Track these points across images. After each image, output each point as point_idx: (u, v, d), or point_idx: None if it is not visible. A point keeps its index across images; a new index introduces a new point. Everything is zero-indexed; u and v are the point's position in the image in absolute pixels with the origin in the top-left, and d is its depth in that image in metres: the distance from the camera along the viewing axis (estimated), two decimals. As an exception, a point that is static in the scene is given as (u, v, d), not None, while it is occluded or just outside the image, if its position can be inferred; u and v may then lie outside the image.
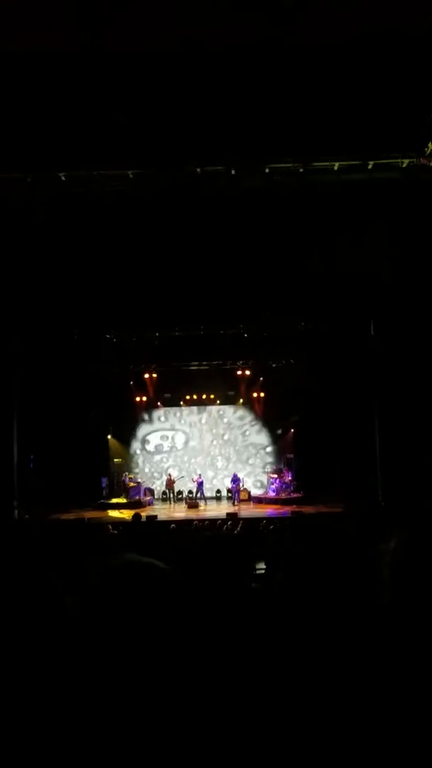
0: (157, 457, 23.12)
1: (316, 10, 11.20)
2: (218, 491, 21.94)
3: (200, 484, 20.87)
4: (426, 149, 14.02)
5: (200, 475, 21.06)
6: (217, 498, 21.61)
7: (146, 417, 23.22)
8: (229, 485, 20.94)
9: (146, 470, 22.87)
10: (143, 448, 23.26)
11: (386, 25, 13.11)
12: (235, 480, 20.71)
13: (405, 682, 1.18)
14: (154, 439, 23.29)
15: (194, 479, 20.91)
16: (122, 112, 12.61)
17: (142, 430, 23.24)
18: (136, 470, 22.67)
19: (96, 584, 1.14)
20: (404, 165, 14.50)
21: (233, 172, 14.55)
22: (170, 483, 21.39)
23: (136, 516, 10.75)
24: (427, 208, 15.54)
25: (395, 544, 1.25)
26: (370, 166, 14.53)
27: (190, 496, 20.98)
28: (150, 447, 23.25)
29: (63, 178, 14.48)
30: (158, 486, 22.03)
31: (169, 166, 14.62)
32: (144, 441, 23.29)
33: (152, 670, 1.07)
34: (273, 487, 20.43)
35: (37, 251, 15.84)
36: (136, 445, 23.23)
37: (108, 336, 19.36)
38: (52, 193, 14.94)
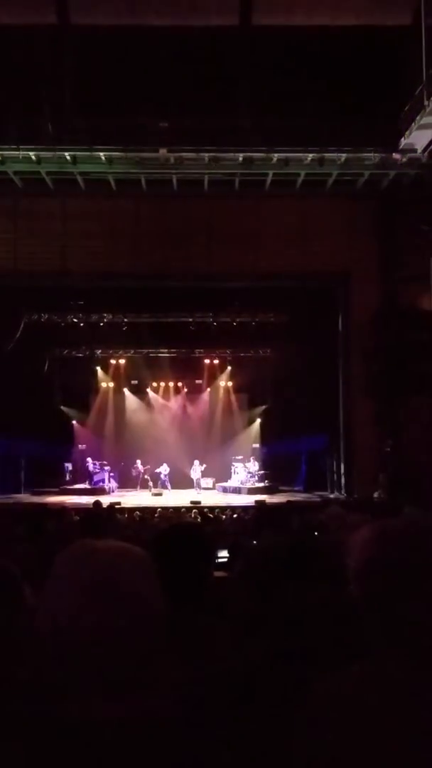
0: (123, 444, 22.94)
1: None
2: (183, 479, 21.89)
3: (165, 473, 20.81)
4: (399, 144, 14.12)
5: (164, 470, 20.95)
6: (181, 486, 21.56)
7: (113, 403, 23.02)
8: (194, 473, 20.92)
9: (111, 457, 22.67)
10: (109, 434, 23.04)
11: (362, 21, 13.18)
12: (200, 468, 20.69)
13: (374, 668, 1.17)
14: (120, 425, 23.10)
15: (160, 472, 20.82)
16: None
17: (109, 416, 23.03)
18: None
19: (66, 569, 1.08)
20: (377, 159, 14.59)
21: (206, 158, 14.47)
22: (137, 470, 21.28)
23: (97, 503, 10.69)
24: (393, 202, 15.70)
25: (366, 534, 1.24)
26: (342, 160, 14.58)
27: (152, 485, 20.86)
28: (116, 433, 23.05)
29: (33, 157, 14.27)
30: (122, 472, 21.84)
31: (143, 149, 14.49)
32: (110, 427, 23.07)
33: (123, 659, 1.03)
34: (237, 476, 20.49)
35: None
36: (101, 431, 22.99)
37: (75, 320, 19.12)
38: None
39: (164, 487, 20.44)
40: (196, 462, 20.65)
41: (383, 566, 1.17)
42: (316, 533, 4.16)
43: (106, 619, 1.01)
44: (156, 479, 20.87)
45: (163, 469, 20.91)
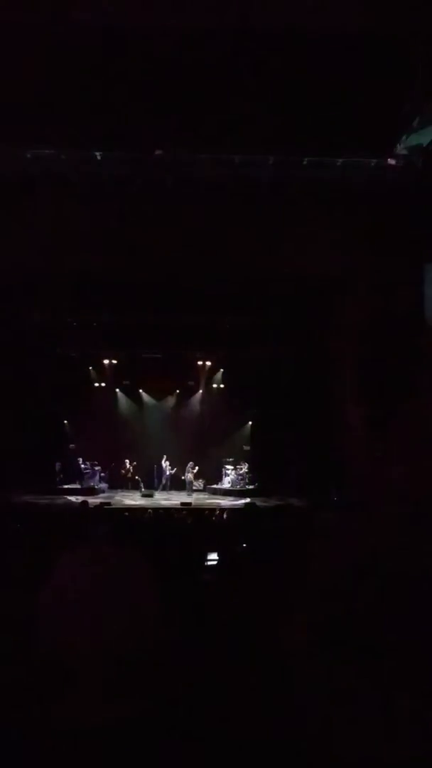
0: (114, 444, 22.88)
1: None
2: (173, 480, 21.88)
3: (157, 473, 20.84)
4: (395, 149, 14.17)
5: (157, 466, 20.97)
6: (172, 487, 21.56)
7: (105, 403, 22.97)
8: (185, 475, 20.93)
9: (102, 457, 22.62)
10: (100, 435, 22.97)
11: (359, 23, 13.20)
12: (190, 470, 20.72)
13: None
14: (112, 426, 23.03)
15: (165, 469, 20.84)
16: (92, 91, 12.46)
17: (101, 416, 22.96)
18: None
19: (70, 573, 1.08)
20: (372, 164, 14.64)
21: (202, 160, 14.47)
22: (125, 470, 21.26)
23: (84, 503, 10.70)
24: (388, 208, 15.73)
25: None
26: (338, 164, 14.62)
27: (143, 485, 20.84)
28: (107, 433, 22.98)
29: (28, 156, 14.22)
30: (113, 473, 21.79)
31: (138, 150, 14.48)
32: (102, 427, 23.01)
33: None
34: (228, 478, 20.49)
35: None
36: (92, 431, 22.92)
37: (68, 320, 19.08)
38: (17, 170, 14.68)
39: (155, 487, 20.41)
40: (190, 464, 20.69)
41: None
42: (305, 537, 4.15)
43: (106, 624, 1.01)
44: (151, 479, 20.79)
45: (160, 471, 20.89)
